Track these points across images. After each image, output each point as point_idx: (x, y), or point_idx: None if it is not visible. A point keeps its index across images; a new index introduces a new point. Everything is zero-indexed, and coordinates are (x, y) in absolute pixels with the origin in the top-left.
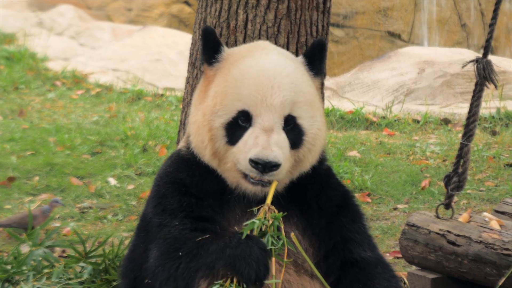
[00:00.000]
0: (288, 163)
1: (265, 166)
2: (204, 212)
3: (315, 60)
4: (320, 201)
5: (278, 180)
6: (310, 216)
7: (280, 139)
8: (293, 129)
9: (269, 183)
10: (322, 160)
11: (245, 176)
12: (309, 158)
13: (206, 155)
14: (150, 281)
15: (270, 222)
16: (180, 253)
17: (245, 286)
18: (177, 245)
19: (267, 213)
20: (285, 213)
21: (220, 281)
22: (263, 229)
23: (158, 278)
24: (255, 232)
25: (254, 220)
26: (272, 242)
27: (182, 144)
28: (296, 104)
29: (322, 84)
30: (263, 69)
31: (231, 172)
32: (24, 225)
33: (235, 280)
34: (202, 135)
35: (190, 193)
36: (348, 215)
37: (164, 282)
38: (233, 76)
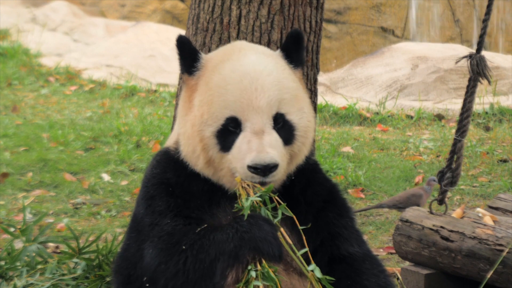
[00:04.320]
0: (285, 160)
1: (265, 170)
2: (191, 213)
3: (293, 52)
4: (307, 196)
5: (277, 179)
6: (298, 212)
7: (272, 139)
8: (283, 126)
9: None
10: (309, 155)
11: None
12: (303, 151)
13: (199, 165)
14: (150, 279)
15: (256, 197)
16: (184, 247)
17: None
18: (175, 239)
19: (248, 189)
20: (272, 184)
21: (251, 267)
22: (255, 205)
23: (163, 275)
24: (248, 211)
25: (244, 198)
26: (271, 214)
27: (170, 143)
28: (282, 101)
29: (316, 82)
30: (244, 72)
31: (227, 177)
32: (409, 204)
33: (263, 261)
34: (193, 145)
35: (176, 195)
36: (335, 210)
37: (171, 278)
38: (216, 83)
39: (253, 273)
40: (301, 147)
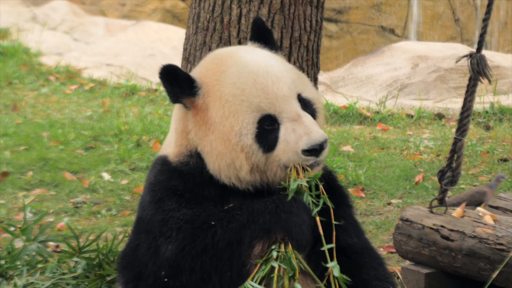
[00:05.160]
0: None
1: (321, 148)
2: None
3: (267, 39)
4: None
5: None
6: None
7: (310, 118)
8: (305, 104)
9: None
10: None
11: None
12: (323, 124)
13: (241, 176)
14: (170, 272)
15: (305, 181)
16: (213, 222)
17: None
18: (199, 222)
19: (300, 172)
20: (320, 172)
21: (276, 246)
22: (301, 189)
23: (189, 256)
24: (293, 193)
25: (293, 179)
26: (313, 202)
27: (169, 152)
28: (294, 82)
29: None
30: (251, 71)
31: (279, 174)
32: (473, 202)
33: (289, 245)
34: (230, 159)
35: (187, 197)
36: (332, 200)
37: (199, 255)
38: (231, 93)
39: (274, 253)
40: (322, 120)
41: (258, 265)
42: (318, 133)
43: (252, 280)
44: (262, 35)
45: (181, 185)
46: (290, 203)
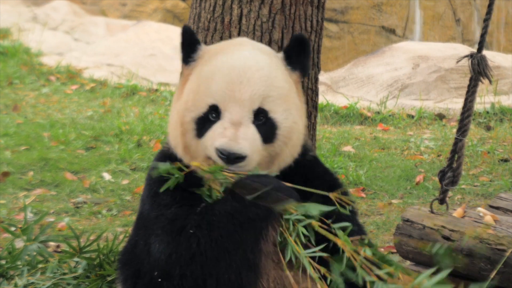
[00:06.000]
0: (258, 156)
1: (229, 157)
2: (198, 202)
3: (293, 54)
4: (306, 192)
5: (247, 170)
6: None
7: (248, 132)
8: (265, 123)
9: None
10: (305, 152)
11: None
12: (286, 152)
13: (179, 151)
14: (163, 273)
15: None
16: (191, 231)
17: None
18: (178, 225)
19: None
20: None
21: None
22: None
23: (177, 264)
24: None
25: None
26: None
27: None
28: (268, 98)
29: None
30: (234, 65)
31: (206, 163)
32: None
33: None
34: (175, 131)
35: (181, 188)
36: (335, 205)
37: (188, 264)
38: (205, 73)
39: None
40: (284, 148)
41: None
42: (237, 144)
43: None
44: (290, 50)
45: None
46: (252, 178)
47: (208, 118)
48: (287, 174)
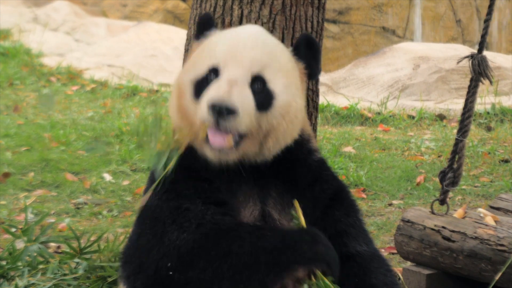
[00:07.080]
0: (250, 121)
1: (220, 110)
2: (218, 196)
3: (301, 50)
4: (314, 192)
5: (238, 131)
6: (305, 205)
7: (244, 92)
8: (262, 91)
9: (231, 151)
10: (310, 151)
11: (207, 140)
12: (283, 126)
13: (176, 119)
14: (178, 265)
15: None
16: (241, 234)
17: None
18: (225, 228)
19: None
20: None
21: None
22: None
23: (207, 254)
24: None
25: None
26: None
27: None
28: (268, 67)
29: (317, 82)
30: (239, 36)
31: (201, 136)
32: None
33: (323, 276)
34: (172, 98)
35: (201, 178)
36: (341, 209)
37: (216, 259)
38: (210, 43)
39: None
40: (281, 121)
41: None
42: (229, 97)
43: None
44: (298, 45)
45: (193, 160)
46: (321, 235)
47: (206, 79)
48: (292, 169)
